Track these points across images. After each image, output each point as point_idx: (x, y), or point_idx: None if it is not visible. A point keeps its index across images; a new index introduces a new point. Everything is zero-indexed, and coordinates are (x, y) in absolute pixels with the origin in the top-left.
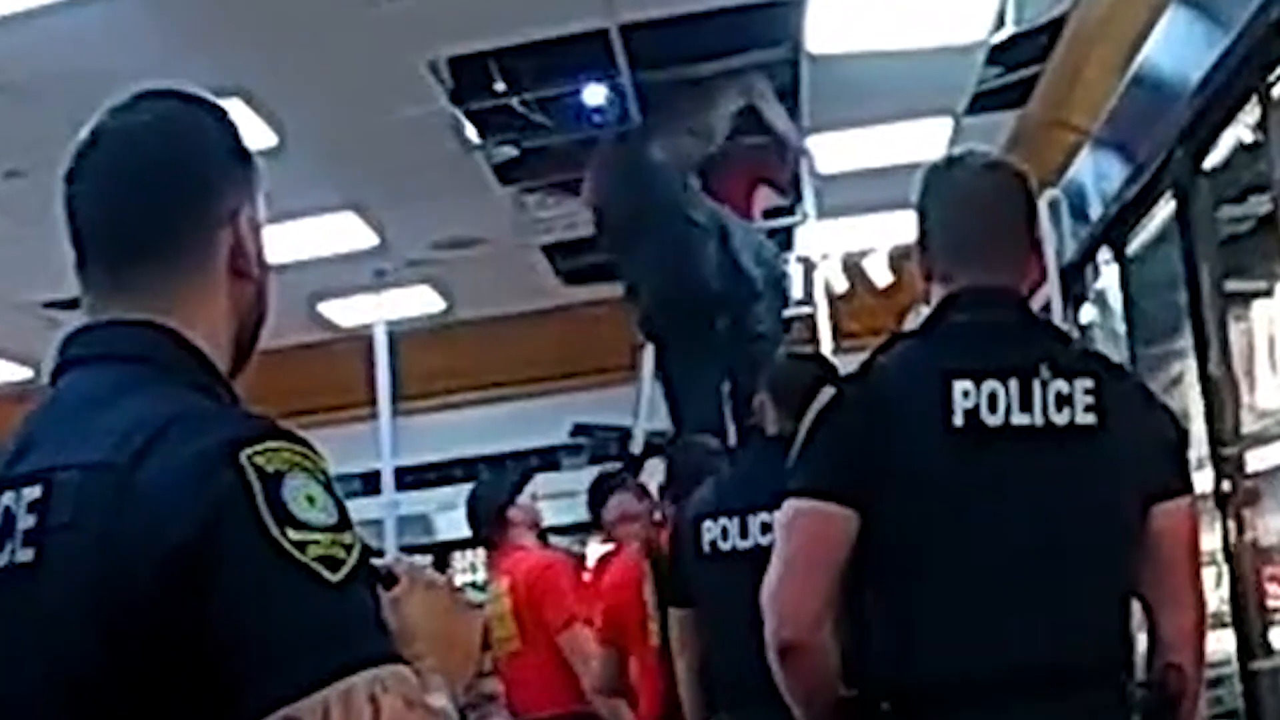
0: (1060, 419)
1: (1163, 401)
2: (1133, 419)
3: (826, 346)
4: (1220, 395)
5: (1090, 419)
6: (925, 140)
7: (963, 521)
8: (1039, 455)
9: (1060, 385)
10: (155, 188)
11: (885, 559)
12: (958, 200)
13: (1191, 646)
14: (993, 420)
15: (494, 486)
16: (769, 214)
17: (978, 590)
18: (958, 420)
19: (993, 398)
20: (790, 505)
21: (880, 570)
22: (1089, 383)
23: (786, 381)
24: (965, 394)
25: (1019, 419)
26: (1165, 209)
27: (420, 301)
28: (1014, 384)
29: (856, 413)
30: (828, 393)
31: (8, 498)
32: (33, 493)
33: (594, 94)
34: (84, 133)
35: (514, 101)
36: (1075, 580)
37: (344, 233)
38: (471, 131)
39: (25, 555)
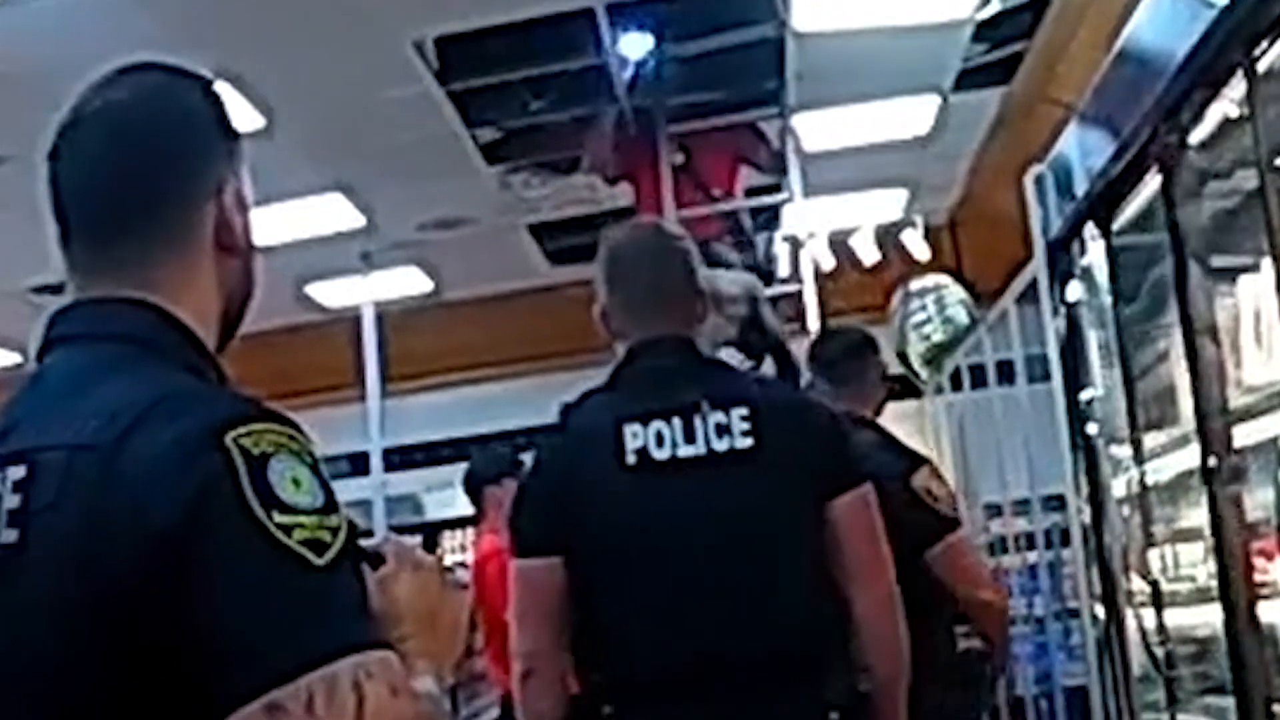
0: (721, 445)
1: (824, 408)
2: (790, 433)
3: (813, 324)
4: (1207, 371)
5: (748, 442)
6: (911, 117)
7: (640, 544)
8: (706, 479)
9: (719, 416)
10: (139, 162)
11: (583, 587)
12: (625, 267)
13: (881, 625)
14: (660, 455)
15: (487, 462)
16: (755, 192)
17: (655, 600)
18: (630, 459)
19: (660, 436)
20: (511, 564)
21: (581, 596)
22: (744, 410)
23: (830, 356)
24: (634, 435)
25: (685, 451)
26: (1151, 185)
27: (408, 282)
28: (678, 421)
29: (549, 473)
30: (532, 457)
31: None
32: (17, 473)
33: (633, 45)
34: (66, 109)
35: (500, 81)
36: (750, 583)
37: (331, 214)
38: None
39: (9, 536)
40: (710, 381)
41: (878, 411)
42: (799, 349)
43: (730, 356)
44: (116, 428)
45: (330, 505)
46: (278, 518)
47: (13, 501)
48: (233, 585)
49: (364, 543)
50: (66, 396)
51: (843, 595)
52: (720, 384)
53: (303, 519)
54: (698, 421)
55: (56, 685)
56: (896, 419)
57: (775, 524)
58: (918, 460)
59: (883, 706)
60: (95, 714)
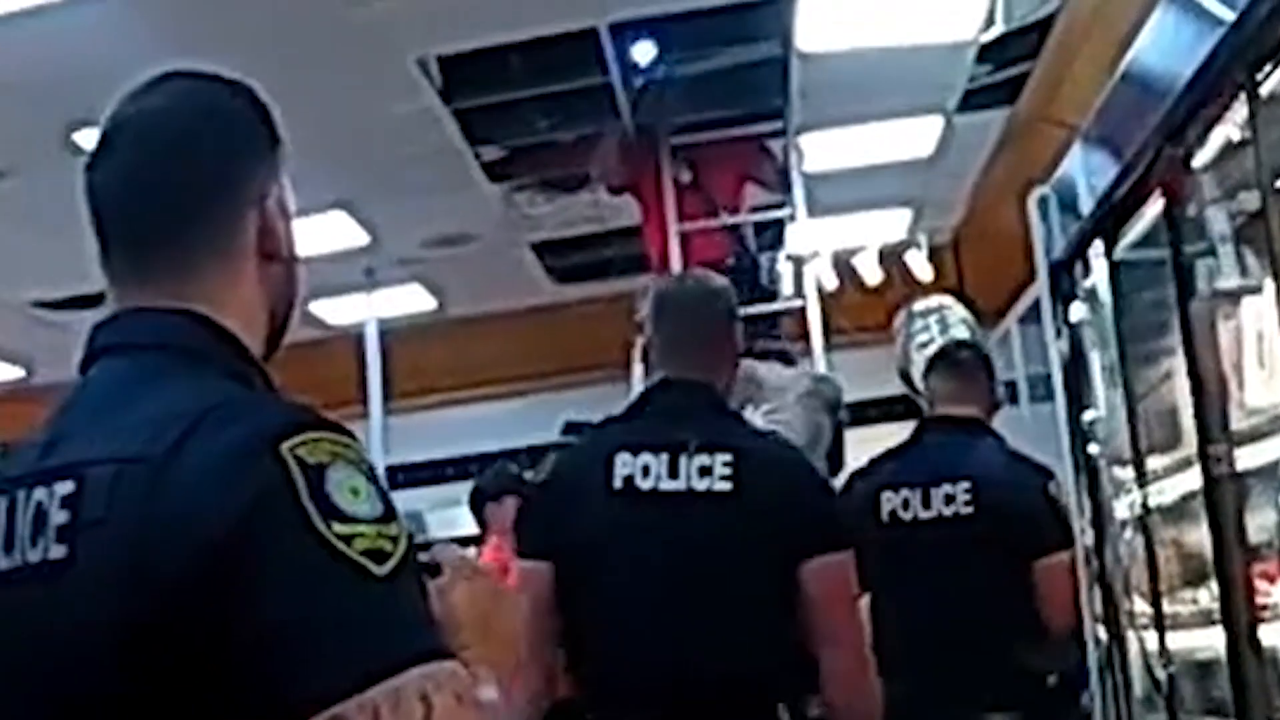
0: (700, 485)
1: (816, 472)
2: (770, 486)
3: (817, 344)
4: (1209, 393)
5: (726, 486)
6: (916, 138)
7: (613, 564)
8: (682, 513)
9: (703, 458)
10: (179, 169)
11: (564, 595)
12: (664, 312)
13: (846, 683)
14: (644, 485)
15: (491, 479)
16: (760, 211)
17: (621, 619)
18: (617, 484)
19: (646, 468)
20: (516, 564)
21: (562, 603)
22: (728, 456)
23: (952, 365)
24: (624, 464)
25: (666, 485)
26: (1154, 206)
27: (411, 300)
28: (665, 456)
29: (550, 484)
30: (544, 472)
31: (40, 493)
32: (65, 487)
33: (643, 51)
34: (106, 116)
35: (504, 99)
36: (705, 616)
37: (334, 231)
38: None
39: (58, 552)
40: (706, 426)
41: (916, 433)
42: (804, 368)
43: None
44: (166, 439)
45: (389, 514)
46: (337, 527)
47: (61, 517)
48: (292, 597)
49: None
50: (112, 409)
51: (811, 650)
52: (714, 429)
53: (363, 528)
54: (683, 459)
55: (106, 701)
56: (900, 439)
57: (738, 564)
58: (1047, 470)
59: None
60: None
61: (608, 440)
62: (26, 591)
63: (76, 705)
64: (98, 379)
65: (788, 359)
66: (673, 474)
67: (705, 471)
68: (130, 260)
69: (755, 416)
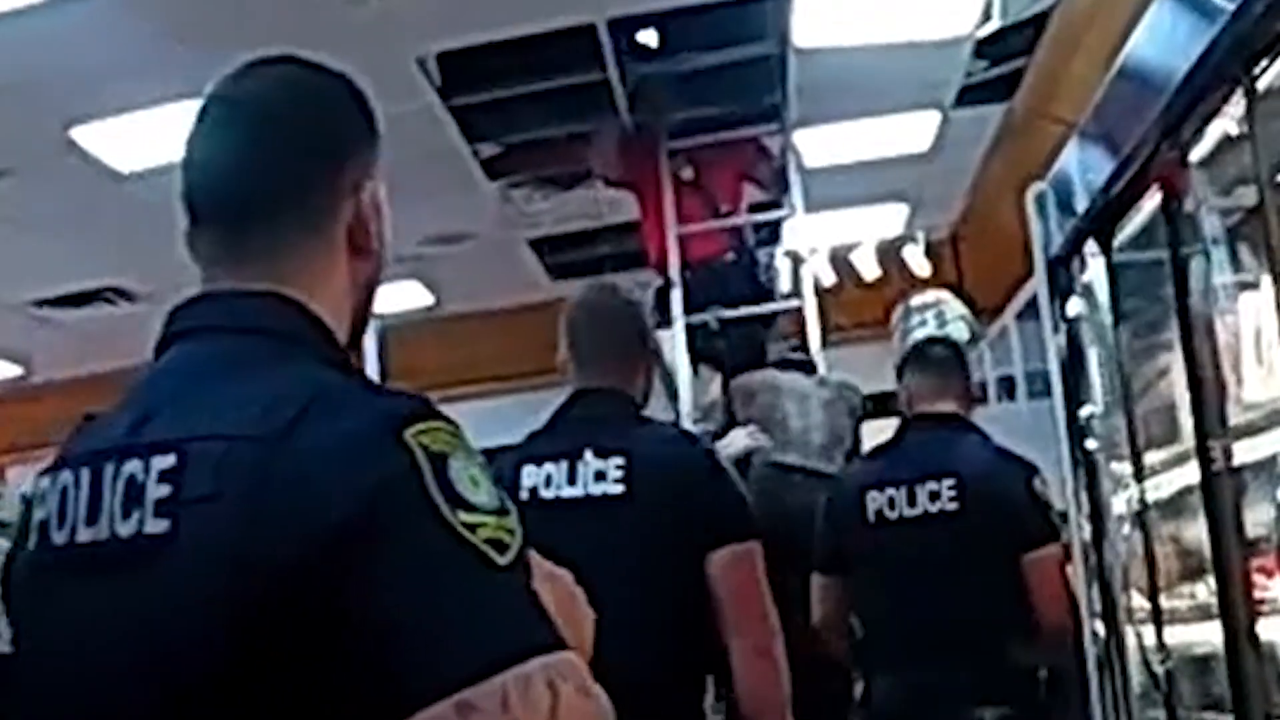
0: (596, 490)
1: (711, 469)
2: (663, 485)
3: (814, 340)
4: (1207, 388)
5: (619, 489)
6: (912, 133)
7: None
8: (581, 518)
9: (598, 464)
10: (284, 150)
11: None
12: (577, 324)
13: (751, 673)
14: (547, 494)
15: None
16: (757, 208)
17: None
18: (524, 495)
19: (549, 477)
20: None
21: None
22: (620, 460)
23: (928, 362)
24: (529, 475)
25: (566, 492)
26: (1152, 202)
27: (408, 296)
28: (565, 464)
29: None
30: None
31: (132, 465)
32: (165, 462)
33: (648, 36)
34: (206, 95)
35: (502, 96)
36: (607, 620)
37: None
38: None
39: (158, 526)
40: (610, 432)
41: (899, 433)
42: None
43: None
44: (278, 420)
45: (505, 506)
46: (463, 516)
47: (160, 491)
48: (419, 583)
49: None
50: (206, 387)
51: (722, 643)
52: (615, 435)
53: (485, 518)
54: (580, 466)
55: (208, 679)
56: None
57: (636, 565)
58: (1032, 465)
59: None
60: (243, 713)
61: (519, 453)
62: (116, 565)
63: (176, 681)
64: (185, 358)
65: (808, 368)
66: (571, 481)
67: (600, 476)
68: (225, 240)
69: (739, 434)
